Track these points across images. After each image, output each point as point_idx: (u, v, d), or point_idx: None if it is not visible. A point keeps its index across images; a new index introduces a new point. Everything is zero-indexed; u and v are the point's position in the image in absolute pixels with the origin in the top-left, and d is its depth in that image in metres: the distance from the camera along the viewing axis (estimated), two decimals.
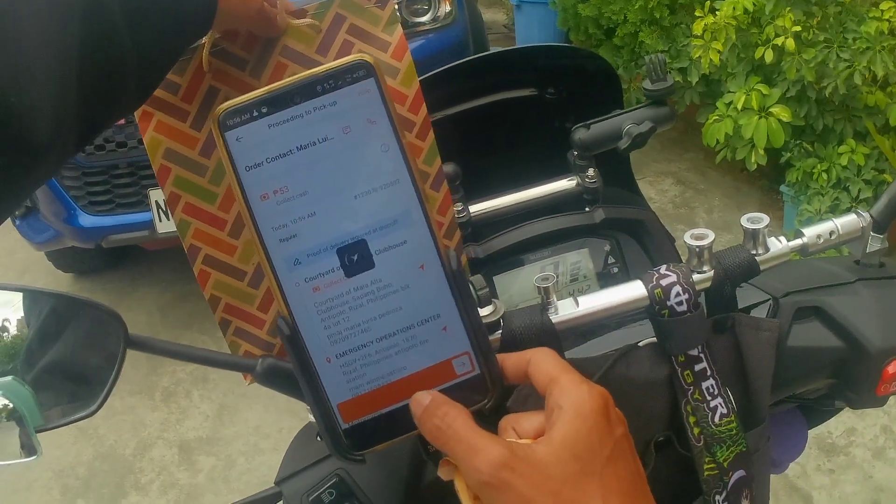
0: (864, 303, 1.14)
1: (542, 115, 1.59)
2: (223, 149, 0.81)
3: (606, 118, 1.38)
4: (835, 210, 4.50)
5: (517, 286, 1.41)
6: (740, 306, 1.13)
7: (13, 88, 0.65)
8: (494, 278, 1.41)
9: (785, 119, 4.58)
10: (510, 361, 0.86)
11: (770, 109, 4.65)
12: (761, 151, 4.64)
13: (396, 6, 4.66)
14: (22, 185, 0.70)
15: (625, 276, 1.43)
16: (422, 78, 1.34)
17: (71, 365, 0.97)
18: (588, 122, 1.38)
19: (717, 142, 4.81)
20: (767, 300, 1.16)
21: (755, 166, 4.75)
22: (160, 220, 4.41)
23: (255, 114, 0.82)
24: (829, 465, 3.63)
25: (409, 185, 0.84)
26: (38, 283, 5.64)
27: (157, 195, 4.39)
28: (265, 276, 0.84)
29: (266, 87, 0.82)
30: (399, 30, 1.08)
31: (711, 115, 4.92)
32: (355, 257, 0.84)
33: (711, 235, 1.05)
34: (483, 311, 1.00)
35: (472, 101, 1.55)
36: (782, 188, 5.08)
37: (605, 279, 1.44)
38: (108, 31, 0.75)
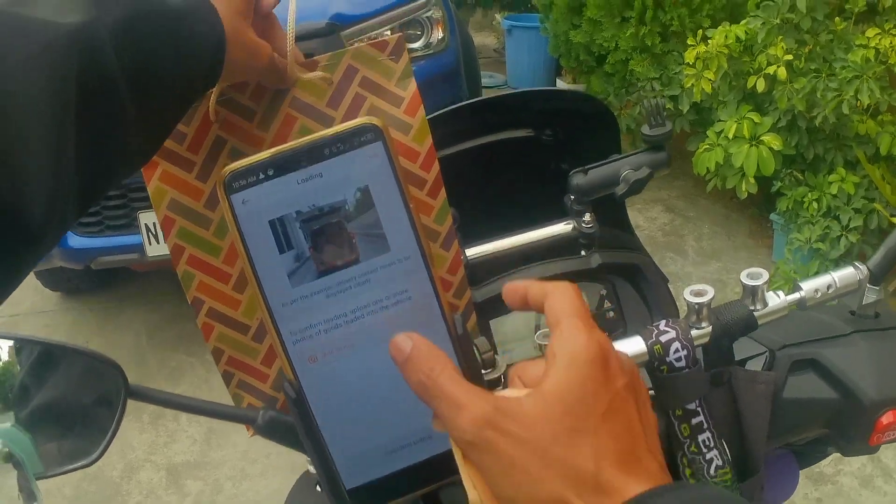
0: (860, 355, 1.14)
1: (538, 156, 1.59)
2: (229, 211, 0.82)
3: (604, 164, 1.38)
4: (825, 239, 4.51)
5: (512, 329, 1.41)
6: (737, 358, 1.13)
7: (5, 174, 0.64)
8: (492, 322, 1.40)
9: (776, 148, 4.60)
10: (532, 290, 0.82)
11: (761, 138, 4.66)
12: (752, 180, 4.66)
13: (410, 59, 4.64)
14: (19, 268, 0.69)
15: (620, 321, 1.43)
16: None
17: (71, 413, 0.97)
18: (586, 168, 1.38)
19: (708, 170, 4.82)
20: (764, 353, 1.17)
21: (746, 195, 4.77)
22: (150, 244, 4.39)
23: (262, 176, 0.82)
24: (816, 493, 3.63)
25: (416, 251, 0.84)
26: (25, 302, 5.70)
27: (146, 218, 4.36)
28: (268, 333, 0.84)
29: (272, 150, 0.82)
30: (413, 84, 1.06)
31: (702, 143, 4.93)
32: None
33: (711, 292, 1.05)
34: (486, 371, 1.00)
35: (468, 142, 1.55)
36: (772, 216, 5.10)
37: (601, 323, 1.43)
38: (108, 93, 0.74)
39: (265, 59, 0.97)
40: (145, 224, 4.36)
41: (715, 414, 1.07)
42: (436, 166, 1.05)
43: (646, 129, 1.34)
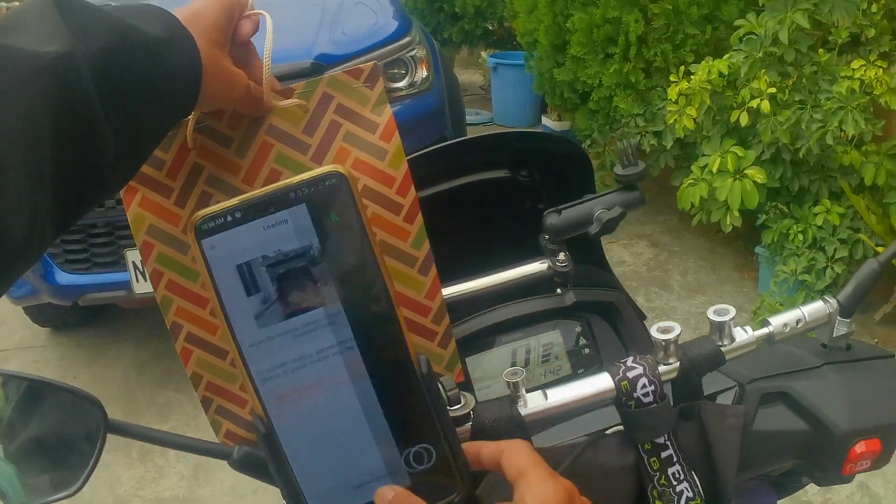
0: (831, 386, 1.16)
1: (514, 196, 1.61)
2: (199, 255, 0.83)
3: (577, 203, 1.40)
4: (811, 270, 4.53)
5: (489, 366, 1.42)
6: (707, 392, 1.15)
7: None
8: (468, 359, 1.42)
9: (760, 181, 4.63)
10: (486, 450, 0.89)
11: (745, 171, 4.69)
12: (736, 213, 4.67)
13: (383, 89, 4.65)
14: None
15: (596, 357, 1.45)
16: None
17: (55, 447, 0.98)
18: (559, 208, 1.40)
19: (692, 205, 4.84)
20: (734, 386, 1.18)
21: (730, 228, 4.79)
22: (137, 281, 4.40)
23: (230, 221, 0.84)
24: None
25: (384, 292, 0.86)
26: (14, 337, 5.70)
27: (134, 256, 4.36)
28: (239, 371, 0.86)
29: (240, 197, 0.84)
30: (388, 110, 1.07)
31: (686, 178, 4.95)
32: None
33: (677, 329, 1.07)
34: (453, 407, 1.02)
35: (445, 183, 1.57)
36: (758, 249, 5.12)
37: (577, 359, 1.45)
38: (86, 120, 0.76)
39: (241, 87, 0.99)
40: (133, 261, 4.37)
41: (685, 447, 1.09)
42: (412, 191, 1.06)
43: (618, 169, 1.36)
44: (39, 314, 5.55)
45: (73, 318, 5.66)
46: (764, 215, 4.91)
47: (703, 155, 4.99)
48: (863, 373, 1.19)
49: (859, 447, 1.13)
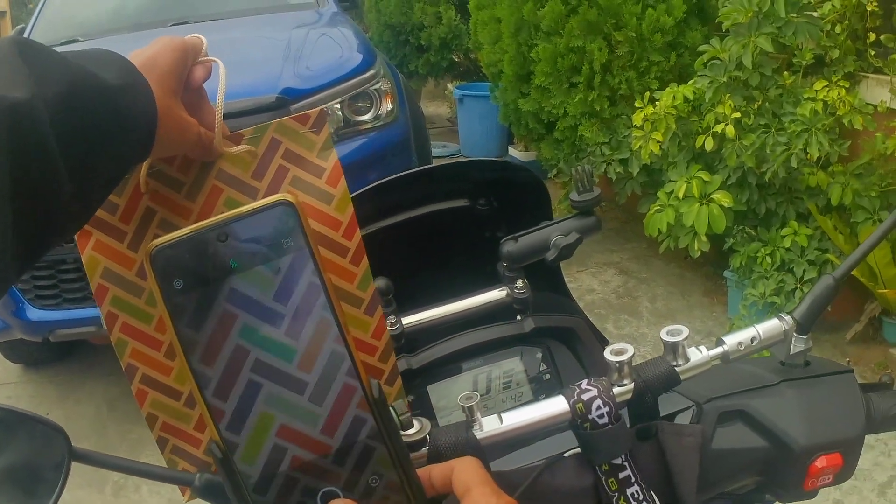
0: (789, 403, 1.16)
1: (473, 225, 1.62)
2: (154, 283, 0.84)
3: (534, 230, 1.41)
4: (780, 293, 4.55)
5: (451, 393, 1.43)
6: (665, 413, 1.16)
7: None
8: (429, 387, 1.43)
9: (726, 205, 4.66)
10: (437, 471, 0.90)
11: (711, 196, 4.72)
12: (704, 238, 4.70)
13: (332, 132, 4.72)
14: None
15: (556, 382, 1.46)
16: (357, 192, 1.36)
17: (20, 475, 0.98)
18: (516, 235, 1.41)
19: (660, 231, 4.86)
20: (691, 406, 1.19)
21: (698, 253, 4.81)
22: None
23: (183, 250, 0.85)
24: None
25: (331, 320, 0.87)
26: None
27: None
28: (196, 400, 0.86)
29: (193, 226, 0.85)
30: (334, 155, 1.09)
31: (653, 205, 4.98)
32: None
33: (630, 350, 1.08)
34: (409, 432, 1.02)
35: (405, 213, 1.58)
36: (726, 273, 5.14)
37: (538, 385, 1.46)
38: (45, 164, 0.76)
39: (194, 134, 1.00)
40: None
41: (643, 468, 1.09)
42: (357, 235, 1.07)
43: (574, 196, 1.37)
44: (11, 351, 5.57)
45: (46, 354, 5.66)
46: (731, 239, 4.93)
47: (670, 181, 5.01)
48: (821, 388, 1.20)
49: (819, 462, 1.14)
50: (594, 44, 5.90)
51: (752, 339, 1.17)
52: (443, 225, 1.62)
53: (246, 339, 0.87)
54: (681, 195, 4.79)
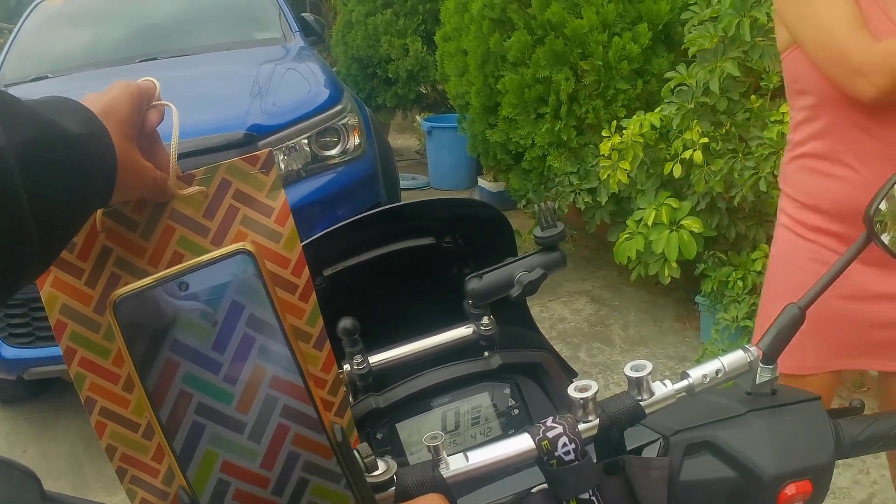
0: (756, 433, 1.16)
1: (440, 262, 1.63)
2: (118, 331, 0.84)
3: (498, 267, 1.41)
4: (752, 316, 4.55)
5: (421, 431, 1.43)
6: (632, 446, 1.16)
7: None
8: (398, 424, 1.43)
9: (696, 230, 4.67)
10: None
11: (681, 222, 4.74)
12: (674, 265, 4.71)
13: (299, 167, 4.79)
14: None
15: (525, 418, 1.46)
16: (324, 232, 1.37)
17: None
18: (480, 273, 1.41)
19: (630, 259, 4.88)
20: (658, 439, 1.19)
21: (669, 280, 4.82)
22: None
23: (145, 299, 0.85)
24: None
25: (293, 366, 0.87)
26: None
27: None
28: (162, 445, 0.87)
29: (154, 276, 0.85)
30: (282, 196, 1.11)
31: (622, 233, 4.99)
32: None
33: (595, 387, 1.09)
34: (374, 473, 1.02)
35: (371, 252, 1.59)
36: (698, 299, 5.15)
37: (507, 420, 1.46)
38: (13, 209, 0.77)
39: (150, 178, 1.02)
40: None
41: (612, 502, 1.10)
42: (306, 272, 1.09)
43: (538, 232, 1.38)
44: None
45: (20, 392, 5.62)
46: (702, 264, 4.95)
47: (639, 209, 5.02)
48: (788, 417, 1.20)
49: (790, 489, 1.14)
50: (560, 73, 5.93)
51: (717, 372, 1.17)
52: (409, 263, 1.62)
53: (190, 384, 0.88)
54: (650, 222, 4.80)
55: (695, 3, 4.73)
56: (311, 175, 4.81)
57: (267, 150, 1.13)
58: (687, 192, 4.93)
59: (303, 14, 7.17)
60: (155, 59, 6.18)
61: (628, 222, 5.02)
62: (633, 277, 5.06)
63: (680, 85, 4.77)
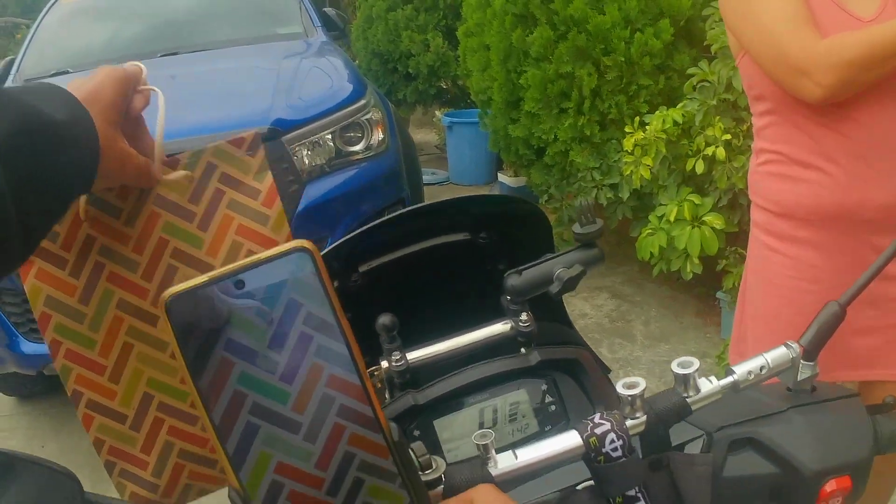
0: (798, 429, 1.16)
1: (474, 258, 1.62)
2: (171, 331, 0.83)
3: (537, 263, 1.41)
4: None
5: (457, 427, 1.42)
6: (675, 443, 1.16)
7: None
8: (435, 422, 1.42)
9: (718, 227, 4.66)
10: (453, 503, 0.89)
11: (703, 218, 4.72)
12: (696, 261, 4.70)
13: (323, 162, 4.80)
14: None
15: (562, 413, 1.46)
16: (360, 230, 1.36)
17: None
18: (520, 269, 1.41)
19: (652, 254, 4.87)
20: (702, 435, 1.19)
21: (691, 276, 4.81)
22: None
23: (199, 299, 0.84)
24: None
25: (351, 365, 0.87)
26: None
27: None
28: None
29: (209, 274, 0.85)
30: (269, 177, 1.12)
31: (644, 228, 4.98)
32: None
33: (642, 384, 1.08)
34: (427, 471, 1.02)
35: (406, 248, 1.58)
36: (719, 295, 5.14)
37: (543, 416, 1.46)
38: None
39: (134, 165, 1.02)
40: None
41: (656, 498, 1.09)
42: None
43: (577, 228, 1.38)
44: (5, 383, 5.55)
45: (40, 387, 5.64)
46: (724, 260, 4.93)
47: (661, 204, 5.02)
48: (829, 413, 1.20)
49: (829, 486, 1.14)
50: (583, 69, 5.92)
51: (761, 368, 1.17)
52: (443, 258, 1.62)
53: (245, 384, 0.87)
54: (672, 218, 4.80)
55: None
56: (335, 170, 4.81)
57: (253, 131, 1.14)
58: (709, 188, 4.91)
59: (325, 9, 7.15)
60: (176, 53, 6.18)
61: (650, 218, 5.01)
62: (655, 273, 5.05)
63: (702, 81, 4.75)
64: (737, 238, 4.92)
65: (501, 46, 6.61)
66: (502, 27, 6.55)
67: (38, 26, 7.08)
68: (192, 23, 6.81)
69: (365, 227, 1.48)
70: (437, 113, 11.16)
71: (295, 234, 3.45)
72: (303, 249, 0.87)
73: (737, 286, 4.70)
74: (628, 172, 5.16)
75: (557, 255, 1.41)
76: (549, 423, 1.45)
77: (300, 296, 0.86)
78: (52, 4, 7.35)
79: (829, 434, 1.17)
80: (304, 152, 4.69)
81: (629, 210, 5.81)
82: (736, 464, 1.17)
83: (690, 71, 4.90)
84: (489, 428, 1.43)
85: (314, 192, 4.67)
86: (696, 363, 1.12)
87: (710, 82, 4.71)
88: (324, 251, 1.36)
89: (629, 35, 5.78)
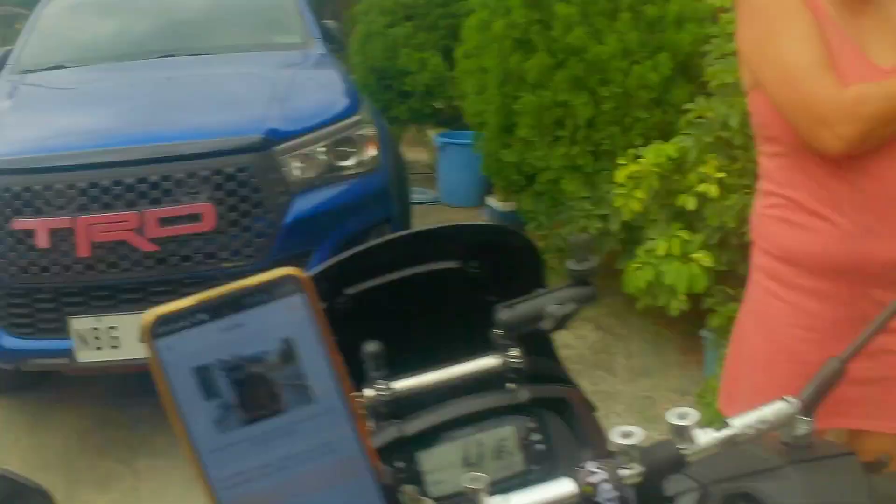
0: (794, 486, 1.15)
1: (464, 287, 1.60)
2: (154, 356, 0.80)
3: (530, 298, 1.40)
4: None
5: (440, 459, 1.41)
6: (670, 493, 1.13)
7: None
8: (418, 453, 1.40)
9: (707, 264, 4.65)
10: None
11: (692, 255, 4.71)
12: (683, 297, 4.69)
13: (314, 175, 4.80)
14: None
15: (549, 452, 1.44)
16: (349, 252, 1.33)
17: None
18: (512, 302, 1.40)
19: (638, 288, 4.85)
20: (696, 488, 1.17)
21: (678, 312, 4.80)
22: (81, 349, 4.42)
23: (185, 323, 0.81)
24: None
25: (340, 403, 0.84)
26: None
27: (79, 323, 4.42)
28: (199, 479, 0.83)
29: (196, 297, 0.81)
30: None
31: (632, 262, 4.97)
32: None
33: (640, 434, 1.06)
34: None
35: (395, 273, 1.56)
36: (703, 332, 5.12)
37: (530, 454, 1.44)
38: None
39: None
40: (77, 329, 4.41)
41: None
42: None
43: (572, 264, 1.36)
44: None
45: (16, 382, 5.58)
46: (710, 298, 4.91)
47: (650, 239, 5.00)
48: (825, 472, 1.19)
49: None
50: (579, 98, 5.92)
51: (760, 422, 1.16)
52: (431, 286, 1.60)
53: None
54: (661, 253, 4.78)
55: (717, 37, 4.72)
56: (325, 184, 4.82)
57: None
58: (699, 225, 4.90)
59: (325, 21, 7.16)
60: (173, 55, 6.21)
61: (639, 252, 5.00)
62: (640, 307, 5.04)
63: (699, 117, 4.75)
64: (725, 277, 4.92)
65: (499, 70, 6.62)
66: (500, 50, 6.56)
67: (37, 17, 7.10)
68: (191, 26, 6.84)
69: (356, 249, 1.46)
70: (429, 132, 11.17)
71: (280, 247, 3.48)
72: (292, 277, 0.84)
73: (723, 325, 4.71)
74: (619, 205, 5.14)
75: (550, 291, 1.40)
76: (534, 462, 1.44)
77: (290, 327, 0.83)
78: None
79: (825, 493, 1.16)
80: (296, 164, 4.70)
81: (618, 242, 5.79)
82: None
83: (688, 106, 4.90)
84: (473, 463, 1.41)
85: (303, 204, 4.68)
86: (695, 415, 1.10)
87: (706, 118, 4.71)
88: (312, 270, 1.34)
89: (627, 66, 5.79)
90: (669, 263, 4.74)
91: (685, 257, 4.74)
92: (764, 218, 2.38)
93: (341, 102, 5.22)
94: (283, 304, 0.83)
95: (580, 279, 1.38)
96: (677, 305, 4.76)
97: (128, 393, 5.36)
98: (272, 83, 5.31)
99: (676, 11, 5.85)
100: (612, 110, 5.87)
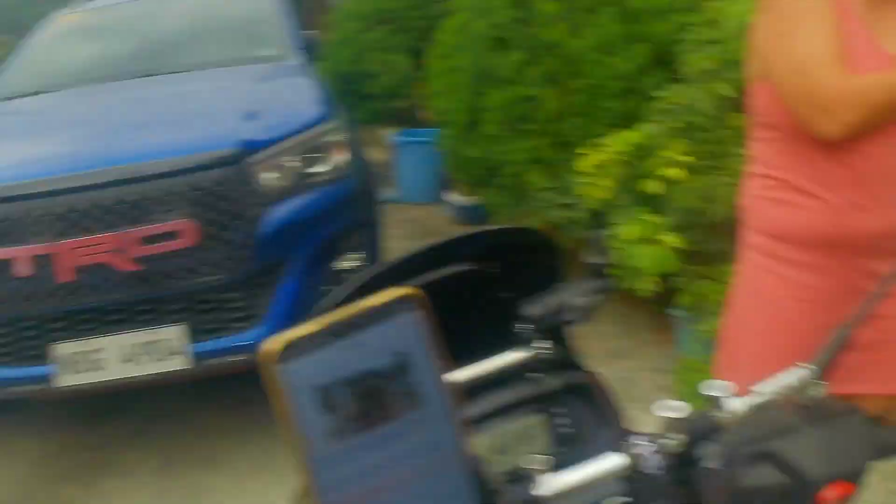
0: (807, 441, 1.24)
1: (483, 288, 1.65)
2: (276, 378, 0.87)
3: (555, 292, 1.47)
4: None
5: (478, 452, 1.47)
6: (700, 457, 1.23)
7: None
8: None
9: (675, 245, 4.74)
10: None
11: (659, 238, 4.79)
12: (655, 278, 4.77)
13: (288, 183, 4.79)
14: None
15: (576, 437, 1.51)
16: (376, 271, 1.39)
17: None
18: (538, 297, 1.48)
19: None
20: (723, 451, 1.26)
21: (650, 293, 4.89)
22: (63, 374, 4.42)
23: (310, 344, 0.88)
24: None
25: (445, 409, 0.91)
26: None
27: (62, 349, 4.42)
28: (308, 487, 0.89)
29: (320, 321, 0.87)
30: None
31: None
32: None
33: (686, 407, 1.15)
34: None
35: (414, 279, 1.61)
36: (673, 311, 5.17)
37: (559, 438, 1.51)
38: None
39: None
40: (60, 355, 4.42)
41: None
42: None
43: (592, 258, 1.44)
44: None
45: None
46: (680, 278, 4.97)
47: (613, 224, 5.07)
48: (837, 428, 1.27)
49: (826, 492, 1.22)
50: (548, 92, 5.96)
51: (782, 387, 1.27)
52: (453, 288, 1.64)
53: None
54: (626, 237, 4.86)
55: (698, 25, 4.82)
56: (299, 192, 4.84)
57: None
58: (665, 208, 4.97)
59: (306, 32, 7.18)
60: (154, 75, 6.24)
61: (606, 237, 5.03)
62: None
63: (670, 104, 4.84)
64: (691, 256, 4.97)
65: (473, 69, 6.63)
66: (476, 50, 6.59)
67: (24, 45, 7.17)
68: (173, 45, 6.84)
69: (384, 268, 1.51)
70: (383, 132, 11.11)
71: (256, 258, 3.49)
72: (409, 296, 0.90)
73: (694, 304, 4.77)
74: (582, 193, 5.22)
75: (573, 285, 1.47)
76: (563, 446, 1.51)
77: (406, 341, 0.89)
78: (43, 23, 7.42)
79: (835, 444, 1.25)
80: (268, 175, 4.71)
81: (583, 230, 5.80)
82: (754, 476, 1.24)
83: (657, 93, 4.99)
84: (503, 451, 1.48)
85: (277, 214, 4.68)
86: (727, 386, 1.19)
87: (675, 105, 4.79)
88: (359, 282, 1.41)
89: (600, 58, 5.81)
90: (637, 247, 4.81)
91: (652, 240, 4.82)
92: (758, 199, 2.48)
93: (313, 111, 5.23)
94: (400, 321, 0.90)
95: (597, 272, 1.46)
96: (648, 286, 4.84)
97: (93, 413, 5.30)
98: (245, 96, 5.34)
99: (661, 2, 5.86)
100: (580, 102, 5.90)
